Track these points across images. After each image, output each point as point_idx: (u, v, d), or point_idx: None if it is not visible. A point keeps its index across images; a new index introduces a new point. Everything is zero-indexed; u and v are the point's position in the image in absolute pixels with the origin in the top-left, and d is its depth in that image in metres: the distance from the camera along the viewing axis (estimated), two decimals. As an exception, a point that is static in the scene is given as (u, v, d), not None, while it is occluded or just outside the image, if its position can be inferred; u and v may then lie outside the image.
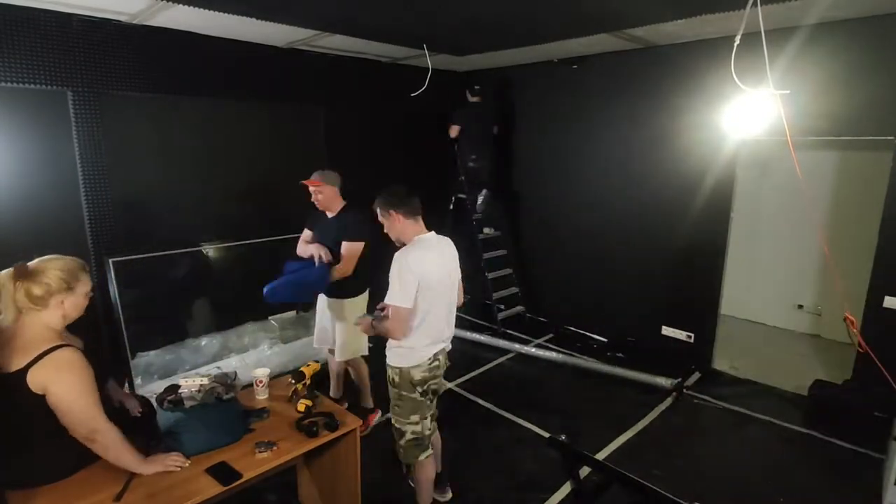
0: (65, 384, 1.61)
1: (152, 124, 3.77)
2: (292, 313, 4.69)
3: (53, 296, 1.67)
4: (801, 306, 5.11)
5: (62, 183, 3.41)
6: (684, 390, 3.92)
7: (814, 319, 5.05)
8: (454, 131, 5.08)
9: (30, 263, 1.69)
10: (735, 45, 2.58)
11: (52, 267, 1.69)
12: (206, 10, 3.12)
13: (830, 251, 4.68)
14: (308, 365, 2.43)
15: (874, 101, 3.33)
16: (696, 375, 4.21)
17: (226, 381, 2.17)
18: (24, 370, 1.59)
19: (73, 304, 1.72)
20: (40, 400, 1.61)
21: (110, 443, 1.68)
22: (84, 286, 1.75)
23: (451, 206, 5.60)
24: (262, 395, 2.37)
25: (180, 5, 2.99)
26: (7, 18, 3.07)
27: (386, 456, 3.11)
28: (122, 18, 3.40)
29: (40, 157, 3.31)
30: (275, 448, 2.00)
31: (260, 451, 1.97)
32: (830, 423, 3.42)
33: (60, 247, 3.31)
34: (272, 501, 2.72)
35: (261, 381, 2.38)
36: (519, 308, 5.49)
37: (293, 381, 2.37)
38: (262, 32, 3.78)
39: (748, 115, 2.82)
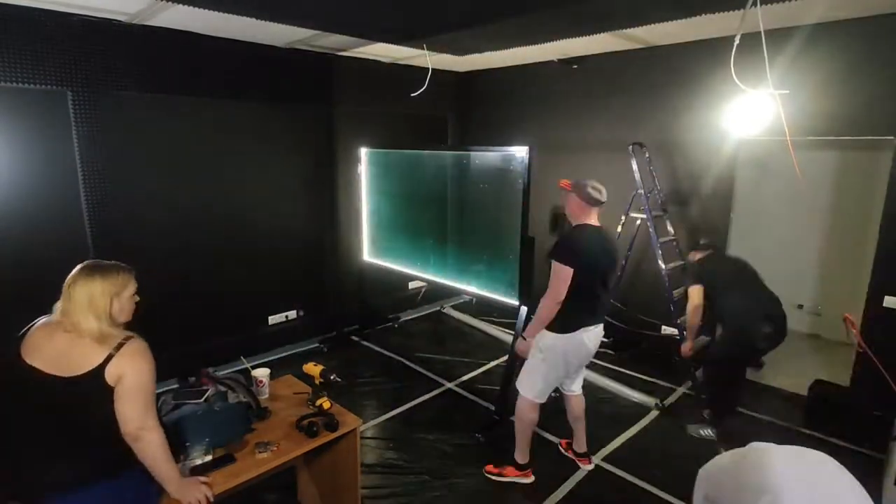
0: (138, 371, 1.66)
1: (152, 124, 3.77)
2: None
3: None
4: (801, 306, 5.10)
5: (62, 183, 3.40)
6: (670, 405, 3.92)
7: (814, 319, 5.05)
8: None
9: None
10: (735, 44, 2.58)
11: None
12: (206, 10, 3.12)
13: (830, 251, 4.70)
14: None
15: (874, 101, 3.33)
16: (698, 374, 4.20)
17: (234, 382, 2.19)
18: (104, 363, 1.62)
19: (120, 307, 1.74)
20: (109, 395, 1.64)
21: (156, 444, 1.68)
22: (129, 289, 1.78)
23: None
24: (262, 396, 2.37)
25: (180, 5, 2.98)
26: (7, 18, 3.07)
27: (385, 456, 3.12)
28: (122, 18, 3.41)
29: (40, 157, 3.30)
30: (275, 448, 2.00)
31: (260, 451, 1.97)
32: (830, 423, 3.42)
33: (60, 246, 3.35)
34: (272, 501, 2.73)
35: (261, 381, 2.39)
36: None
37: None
38: (262, 32, 3.78)
39: (748, 115, 2.83)
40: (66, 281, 1.70)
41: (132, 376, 1.65)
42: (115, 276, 1.74)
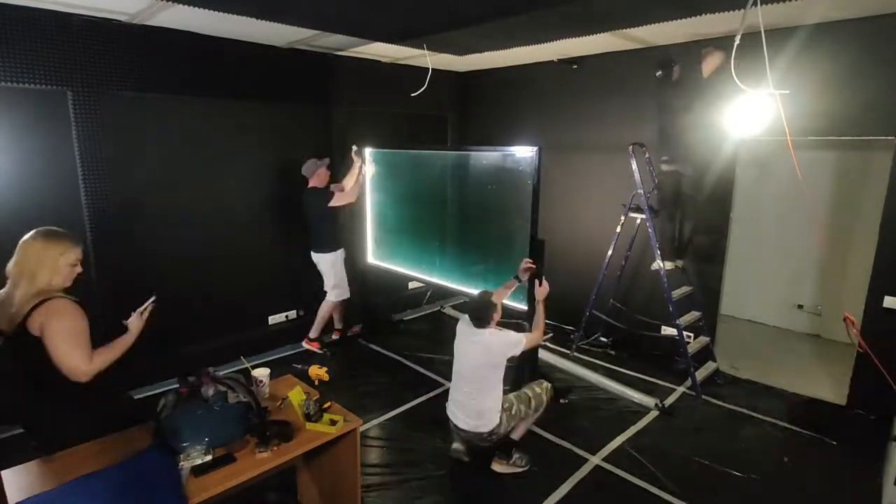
0: (55, 328, 1.82)
1: (152, 124, 3.77)
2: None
3: None
4: (801, 306, 5.11)
5: (62, 182, 3.41)
6: (670, 405, 3.92)
7: (814, 319, 5.05)
8: None
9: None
10: (735, 44, 2.58)
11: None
12: (206, 10, 3.12)
13: (830, 251, 4.70)
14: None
15: (874, 101, 3.33)
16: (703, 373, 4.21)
17: (234, 382, 2.19)
18: (26, 316, 1.82)
19: (56, 270, 1.92)
20: (42, 346, 1.81)
21: (106, 359, 1.94)
22: (66, 258, 1.95)
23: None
24: (262, 395, 2.37)
25: (180, 5, 2.98)
26: (7, 18, 3.07)
27: (386, 456, 3.12)
28: (122, 18, 3.41)
29: (40, 157, 3.31)
30: (275, 448, 2.00)
31: (260, 451, 1.97)
32: (830, 423, 3.43)
33: (60, 247, 3.34)
34: (272, 501, 2.72)
35: (261, 381, 2.39)
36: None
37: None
38: (262, 32, 3.78)
39: (748, 115, 2.82)
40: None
41: (50, 333, 1.79)
42: (60, 241, 1.95)
